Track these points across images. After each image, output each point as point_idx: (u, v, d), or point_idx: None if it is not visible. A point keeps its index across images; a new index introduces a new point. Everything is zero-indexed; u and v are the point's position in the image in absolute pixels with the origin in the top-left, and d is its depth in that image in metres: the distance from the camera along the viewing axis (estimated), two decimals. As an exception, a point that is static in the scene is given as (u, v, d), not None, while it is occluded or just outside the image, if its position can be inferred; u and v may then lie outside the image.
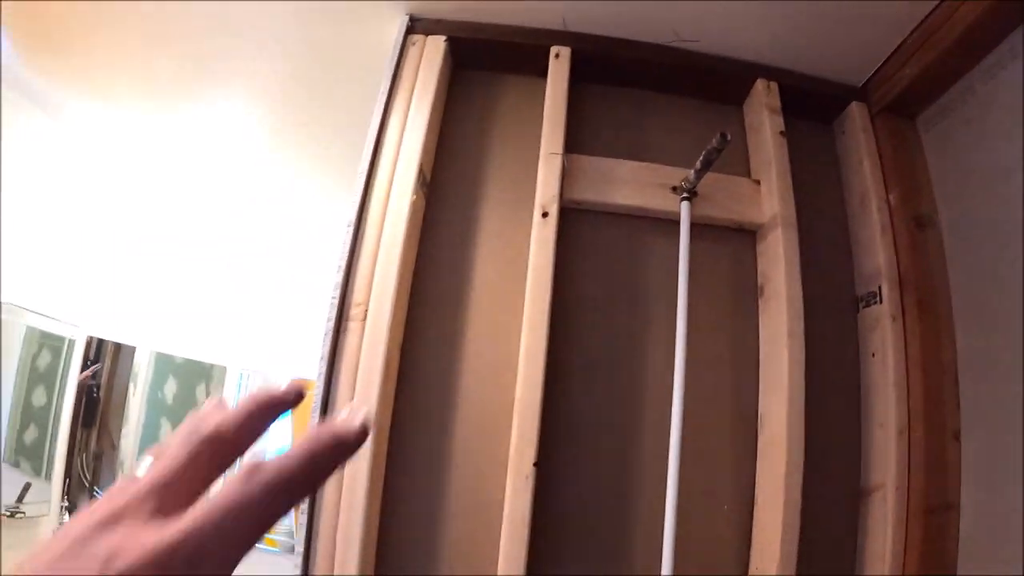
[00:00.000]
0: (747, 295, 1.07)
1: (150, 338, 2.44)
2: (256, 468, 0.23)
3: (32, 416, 2.10)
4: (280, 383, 0.27)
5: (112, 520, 0.22)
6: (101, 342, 2.30)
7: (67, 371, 2.21)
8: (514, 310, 0.98)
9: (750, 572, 0.96)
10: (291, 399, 0.27)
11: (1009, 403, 0.90)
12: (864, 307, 1.08)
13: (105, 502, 0.23)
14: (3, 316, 1.90)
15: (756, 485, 0.99)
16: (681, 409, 0.93)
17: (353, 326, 0.93)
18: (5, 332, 1.92)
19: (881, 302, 1.04)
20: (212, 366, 3.04)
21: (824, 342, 1.03)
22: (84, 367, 2.25)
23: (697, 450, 0.97)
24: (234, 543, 0.22)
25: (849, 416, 1.05)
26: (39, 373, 2.11)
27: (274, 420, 0.26)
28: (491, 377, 0.98)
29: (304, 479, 0.23)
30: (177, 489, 0.23)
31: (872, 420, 1.03)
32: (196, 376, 2.98)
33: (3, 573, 0.25)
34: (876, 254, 1.06)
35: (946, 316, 1.04)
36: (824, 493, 0.98)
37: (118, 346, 2.36)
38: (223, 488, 0.22)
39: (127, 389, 2.33)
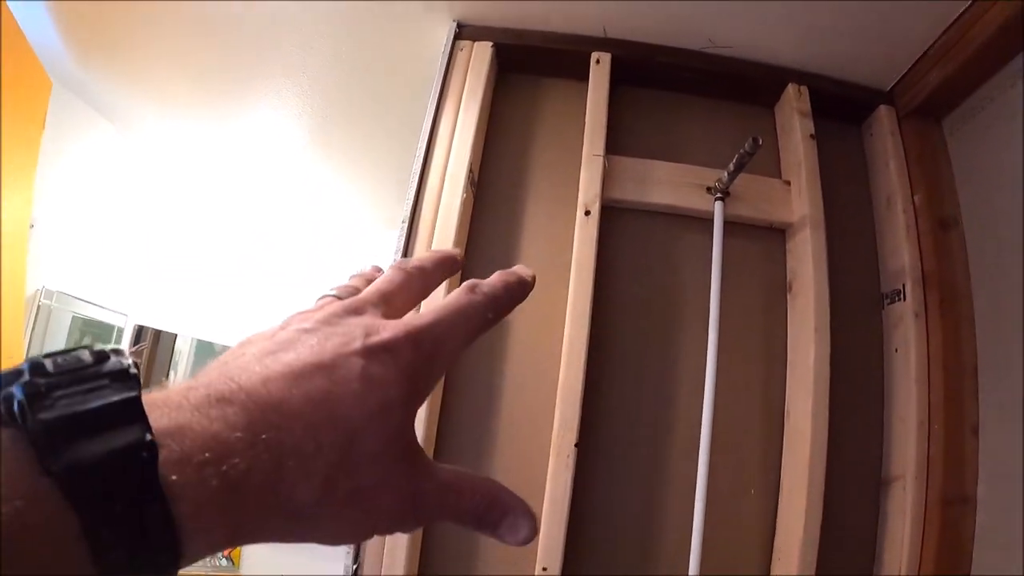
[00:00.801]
0: (776, 291, 1.11)
1: (192, 326, 2.51)
2: (475, 284, 0.28)
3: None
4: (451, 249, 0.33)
5: (354, 311, 0.26)
6: (142, 328, 2.37)
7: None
8: (557, 302, 1.02)
9: (774, 553, 1.00)
10: (460, 260, 0.33)
11: (1028, 398, 0.93)
12: (888, 304, 1.10)
13: (332, 304, 0.26)
14: (53, 304, 1.98)
15: (781, 472, 1.03)
16: (712, 397, 0.97)
17: (407, 316, 0.99)
18: (54, 319, 2.00)
19: (905, 300, 1.06)
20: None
21: (849, 337, 1.06)
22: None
23: (727, 436, 1.01)
24: (462, 336, 0.26)
25: (871, 409, 1.07)
26: (80, 360, 2.19)
27: (451, 273, 0.33)
28: (535, 365, 1.03)
29: (504, 300, 0.28)
30: (394, 302, 0.28)
31: (893, 413, 1.05)
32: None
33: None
34: (901, 253, 1.08)
35: (967, 314, 1.06)
36: (846, 482, 1.01)
37: (158, 333, 2.43)
38: (450, 297, 0.27)
39: (168, 376, 2.41)
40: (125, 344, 2.29)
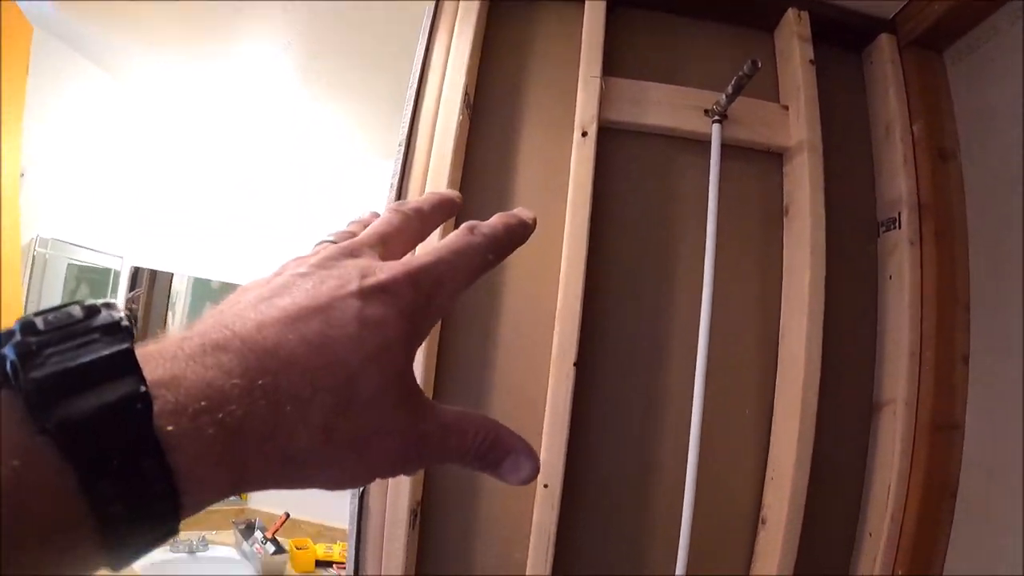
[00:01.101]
0: (773, 214, 1.10)
1: (188, 264, 2.50)
2: (475, 225, 0.27)
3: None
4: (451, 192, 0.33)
5: (350, 253, 0.25)
6: (138, 270, 2.36)
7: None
8: (555, 224, 1.02)
9: (767, 472, 1.03)
10: (459, 203, 0.32)
11: (1017, 331, 0.94)
12: (884, 231, 1.11)
13: (327, 248, 0.25)
14: (48, 252, 1.97)
15: (775, 394, 1.05)
16: (709, 318, 0.98)
17: (404, 239, 0.99)
18: (50, 268, 2.00)
19: (900, 228, 1.06)
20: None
21: (844, 263, 1.06)
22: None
23: (722, 357, 1.02)
24: (462, 277, 0.26)
25: (865, 335, 1.09)
26: (77, 306, 2.18)
27: (450, 215, 0.32)
28: (533, 288, 1.03)
29: (504, 241, 0.28)
30: (392, 244, 0.27)
31: (886, 340, 1.07)
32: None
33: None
34: (898, 182, 1.07)
35: (962, 245, 1.07)
36: (838, 405, 1.03)
37: (154, 275, 2.41)
38: (449, 238, 0.26)
39: (165, 317, 2.41)
40: (122, 287, 2.29)
